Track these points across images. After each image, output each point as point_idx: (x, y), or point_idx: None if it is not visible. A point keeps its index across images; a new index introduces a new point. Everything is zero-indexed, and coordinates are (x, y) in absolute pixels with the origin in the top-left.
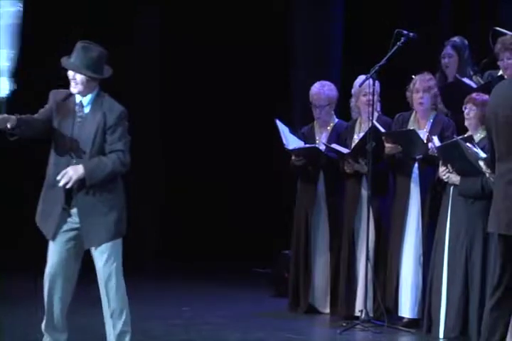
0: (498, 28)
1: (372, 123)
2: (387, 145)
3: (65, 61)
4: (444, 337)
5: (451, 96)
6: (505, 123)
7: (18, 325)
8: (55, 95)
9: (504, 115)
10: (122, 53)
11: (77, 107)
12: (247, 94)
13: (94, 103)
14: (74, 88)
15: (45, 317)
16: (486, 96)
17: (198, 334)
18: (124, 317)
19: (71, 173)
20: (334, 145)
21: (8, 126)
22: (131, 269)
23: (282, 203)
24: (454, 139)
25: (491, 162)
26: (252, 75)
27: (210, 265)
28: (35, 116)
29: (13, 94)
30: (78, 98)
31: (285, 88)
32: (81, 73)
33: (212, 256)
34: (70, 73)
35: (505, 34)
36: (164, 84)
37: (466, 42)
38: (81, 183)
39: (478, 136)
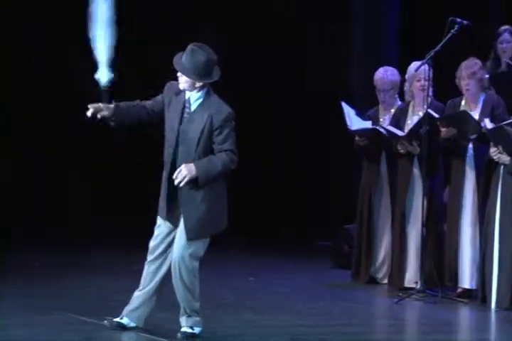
0: None
1: (427, 110)
2: (442, 129)
3: (176, 59)
4: (496, 308)
5: (504, 82)
6: None
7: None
8: (170, 88)
9: None
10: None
11: (186, 103)
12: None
13: (202, 102)
14: (180, 85)
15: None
16: None
17: (263, 302)
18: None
19: (185, 173)
20: (390, 127)
21: (105, 114)
22: None
23: (344, 181)
24: (499, 125)
25: None
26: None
27: (275, 239)
28: (143, 103)
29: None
30: (188, 94)
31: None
32: (186, 76)
33: (276, 231)
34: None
35: None
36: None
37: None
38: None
39: None
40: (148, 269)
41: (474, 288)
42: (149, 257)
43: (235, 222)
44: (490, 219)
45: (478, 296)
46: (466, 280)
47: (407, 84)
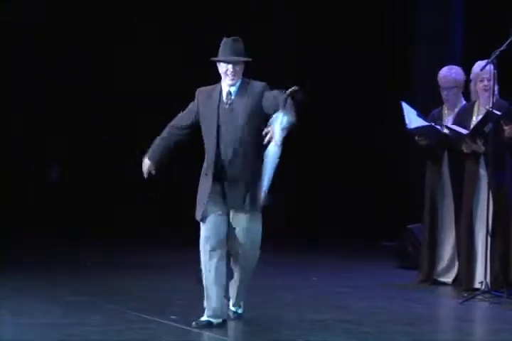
0: None
1: (489, 109)
2: (505, 127)
3: (225, 54)
4: None
5: None
6: None
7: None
8: (201, 93)
9: None
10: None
11: (226, 97)
12: (372, 83)
13: (239, 88)
14: (234, 78)
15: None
16: None
17: (325, 302)
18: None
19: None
20: (453, 126)
21: (153, 171)
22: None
23: (408, 181)
24: None
25: None
26: (375, 65)
27: (339, 240)
28: (171, 128)
29: None
30: (224, 89)
31: (407, 77)
32: (242, 59)
33: (340, 231)
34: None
35: None
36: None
37: None
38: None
39: None
40: None
41: None
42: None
43: (299, 222)
44: None
45: None
46: None
47: (472, 84)
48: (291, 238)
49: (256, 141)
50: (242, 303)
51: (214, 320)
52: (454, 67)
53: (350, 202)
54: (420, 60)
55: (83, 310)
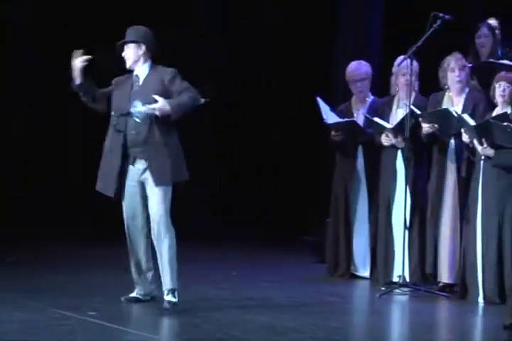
0: None
1: (409, 107)
2: (423, 125)
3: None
4: (484, 303)
5: (484, 74)
6: None
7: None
8: (117, 79)
9: None
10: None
11: (134, 81)
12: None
13: (148, 73)
14: (128, 61)
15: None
16: None
17: (245, 296)
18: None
19: (162, 104)
20: (376, 119)
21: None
22: (184, 235)
23: (328, 175)
24: (487, 119)
25: None
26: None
27: (258, 232)
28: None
29: None
30: (134, 73)
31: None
32: (134, 38)
33: (261, 225)
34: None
35: None
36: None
37: (497, 22)
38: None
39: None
40: None
41: (455, 282)
42: None
43: (219, 213)
44: (470, 214)
45: (459, 290)
46: (446, 274)
47: (393, 78)
48: (211, 232)
49: (162, 121)
50: (176, 292)
51: (143, 298)
52: (361, 61)
53: (272, 196)
54: (340, 57)
55: (3, 307)
